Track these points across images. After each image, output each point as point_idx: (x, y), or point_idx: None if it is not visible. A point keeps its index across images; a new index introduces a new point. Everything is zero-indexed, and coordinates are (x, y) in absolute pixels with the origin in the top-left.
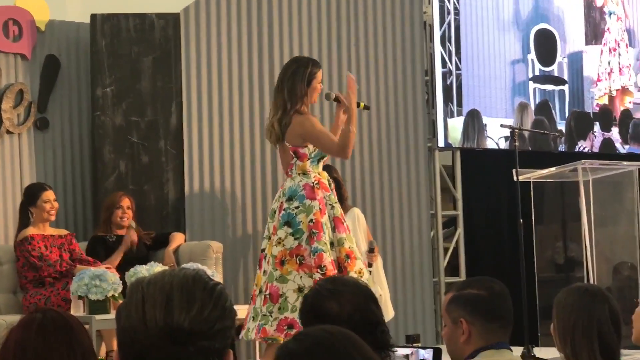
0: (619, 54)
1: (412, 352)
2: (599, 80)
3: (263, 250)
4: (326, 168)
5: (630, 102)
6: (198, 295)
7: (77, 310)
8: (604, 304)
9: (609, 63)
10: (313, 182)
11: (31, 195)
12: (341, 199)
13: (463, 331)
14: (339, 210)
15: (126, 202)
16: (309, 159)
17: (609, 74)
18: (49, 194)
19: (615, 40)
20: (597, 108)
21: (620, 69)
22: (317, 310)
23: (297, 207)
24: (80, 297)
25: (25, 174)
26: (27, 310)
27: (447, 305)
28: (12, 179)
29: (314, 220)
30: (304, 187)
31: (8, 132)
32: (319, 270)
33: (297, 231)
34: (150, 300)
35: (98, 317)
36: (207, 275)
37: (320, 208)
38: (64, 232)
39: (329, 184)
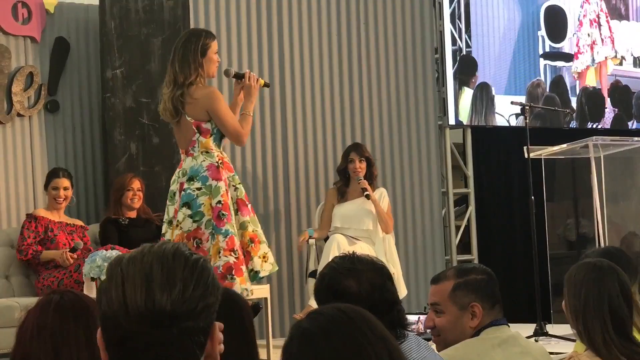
0: (600, 25)
1: (418, 318)
2: (579, 52)
3: (164, 234)
4: (356, 147)
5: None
6: (179, 274)
7: (90, 291)
8: (614, 278)
9: (589, 35)
10: (217, 162)
11: (46, 179)
12: (371, 178)
13: (474, 316)
14: (242, 191)
15: (136, 184)
16: (211, 135)
17: (590, 46)
18: (60, 182)
19: (595, 12)
20: (609, 84)
21: (602, 40)
22: (335, 288)
23: (198, 189)
24: (93, 279)
25: (37, 156)
26: (40, 293)
27: (453, 293)
28: (23, 161)
29: (222, 202)
30: (207, 167)
31: (19, 114)
32: (232, 253)
33: (196, 214)
34: (130, 281)
35: None
36: (187, 250)
37: (226, 189)
38: (78, 222)
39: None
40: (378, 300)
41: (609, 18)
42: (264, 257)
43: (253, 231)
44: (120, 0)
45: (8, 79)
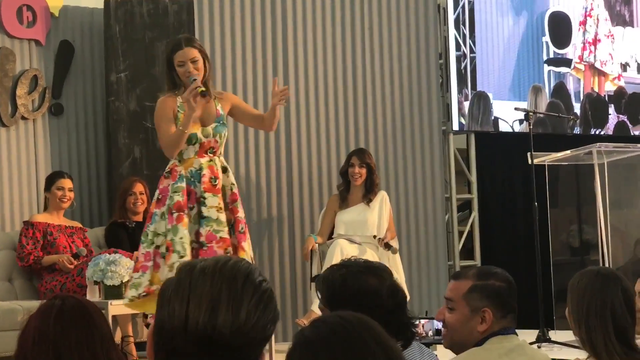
0: (588, 28)
1: (419, 322)
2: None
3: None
4: (359, 152)
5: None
6: (245, 304)
7: (93, 295)
8: (617, 287)
9: (584, 35)
10: (166, 172)
11: (48, 181)
12: (372, 185)
13: (483, 321)
14: (173, 200)
15: (139, 187)
16: None
17: (581, 48)
18: (65, 182)
19: (590, 15)
20: (612, 90)
21: (590, 44)
22: (327, 286)
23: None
24: (96, 283)
25: (40, 160)
26: (43, 297)
27: (468, 294)
28: (27, 165)
29: (148, 211)
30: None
31: (23, 117)
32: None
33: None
34: (196, 301)
35: (114, 302)
36: (259, 276)
37: (159, 198)
38: (77, 224)
39: (200, 171)
40: (349, 295)
41: (607, 24)
42: (170, 267)
43: (171, 240)
44: (125, 4)
45: (12, 82)
